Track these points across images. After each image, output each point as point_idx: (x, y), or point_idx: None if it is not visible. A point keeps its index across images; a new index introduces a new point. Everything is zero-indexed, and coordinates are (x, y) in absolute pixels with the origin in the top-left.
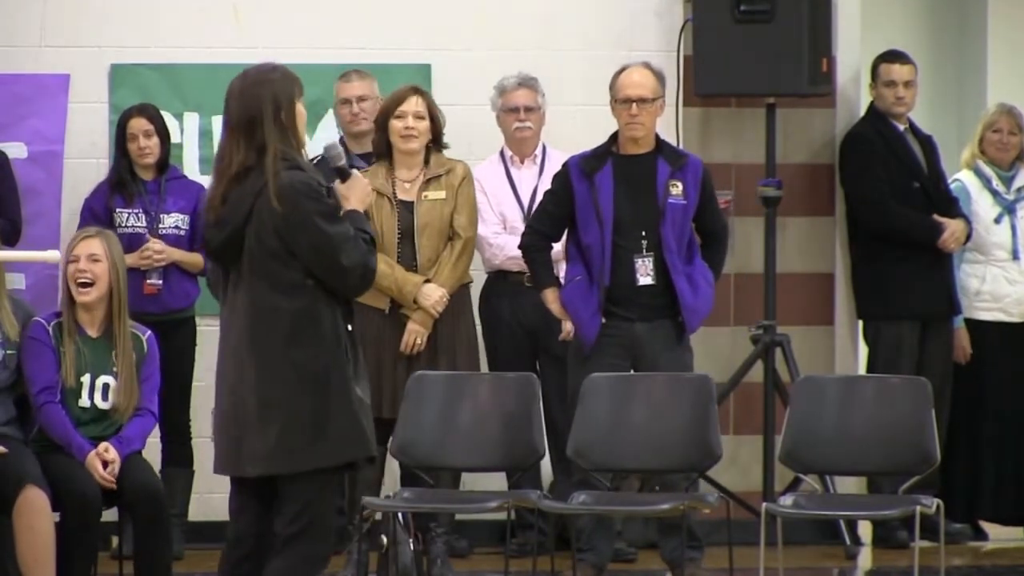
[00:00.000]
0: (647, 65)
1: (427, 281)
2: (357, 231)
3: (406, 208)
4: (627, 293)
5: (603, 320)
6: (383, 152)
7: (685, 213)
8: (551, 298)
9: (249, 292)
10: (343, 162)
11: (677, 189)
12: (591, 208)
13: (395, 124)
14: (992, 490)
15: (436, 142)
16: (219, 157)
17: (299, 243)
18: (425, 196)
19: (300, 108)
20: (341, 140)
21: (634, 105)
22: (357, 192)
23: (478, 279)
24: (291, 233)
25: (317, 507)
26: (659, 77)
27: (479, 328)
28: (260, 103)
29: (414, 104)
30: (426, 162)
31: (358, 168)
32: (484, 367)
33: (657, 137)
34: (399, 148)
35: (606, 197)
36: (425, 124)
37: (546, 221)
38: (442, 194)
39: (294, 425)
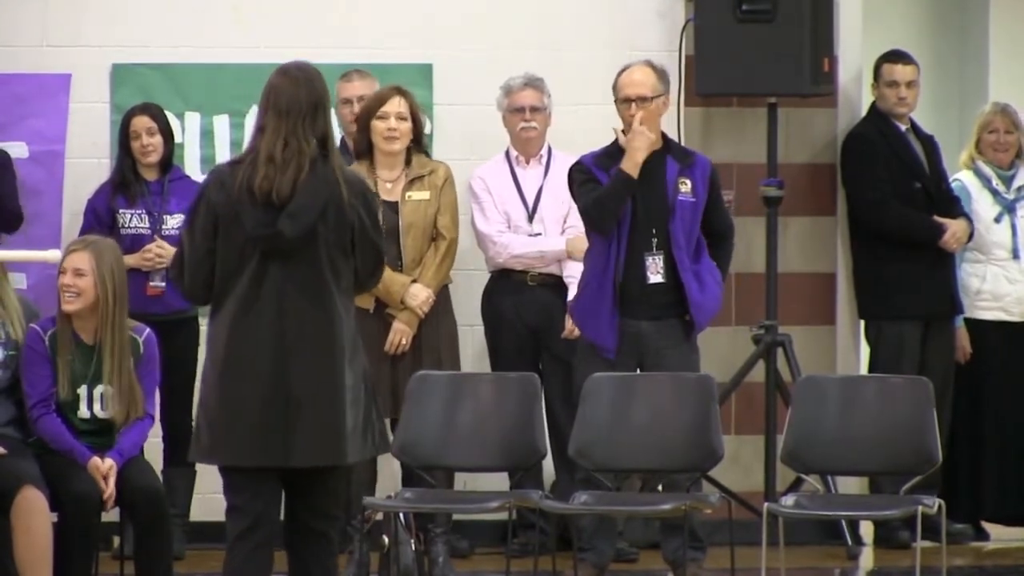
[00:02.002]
0: (649, 63)
1: (414, 281)
2: None
3: (390, 208)
4: (638, 291)
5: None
6: (364, 151)
7: (694, 210)
8: (625, 169)
9: (313, 285)
10: None
11: (686, 187)
12: None
13: (378, 125)
14: (995, 490)
15: (417, 143)
16: (281, 144)
17: (365, 237)
18: (409, 196)
19: None
20: (342, 140)
21: (633, 104)
22: None
23: (480, 278)
24: (362, 227)
25: (344, 499)
26: (661, 75)
27: (479, 328)
28: (323, 96)
29: (396, 105)
30: (407, 162)
31: None
32: (486, 366)
33: (664, 135)
34: (381, 149)
35: None
36: (407, 125)
37: (592, 189)
38: (426, 195)
39: (358, 418)
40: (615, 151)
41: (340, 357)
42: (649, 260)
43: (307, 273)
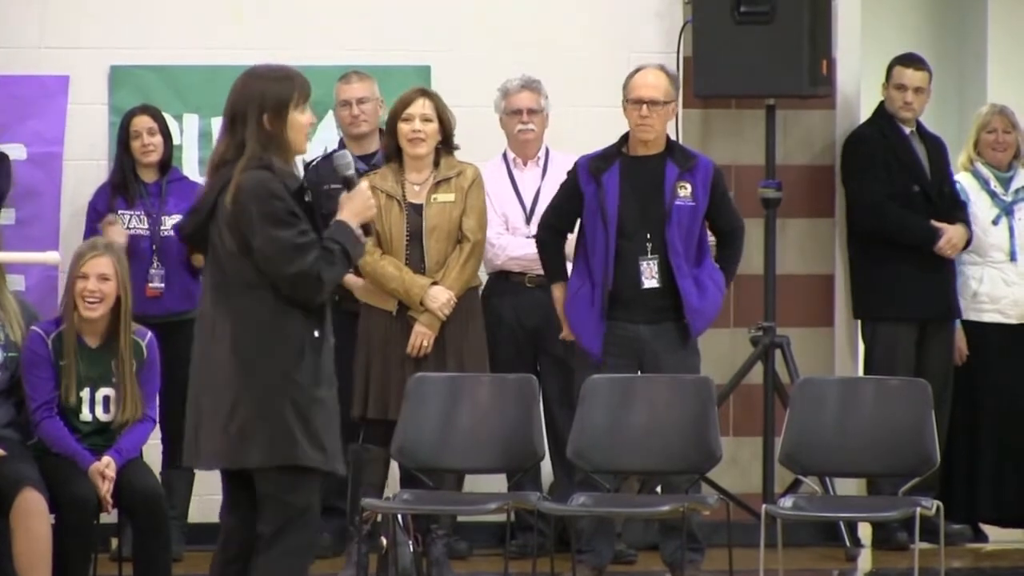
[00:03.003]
0: (662, 67)
1: (434, 283)
2: (328, 241)
3: (415, 210)
4: (632, 295)
5: (608, 322)
6: (393, 154)
7: (693, 215)
8: (557, 295)
9: (212, 286)
10: (350, 172)
11: (685, 191)
12: (597, 209)
13: (402, 127)
14: (992, 492)
15: (446, 144)
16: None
17: (249, 244)
18: (434, 199)
19: (296, 116)
20: (340, 142)
21: (644, 107)
22: (353, 204)
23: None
24: (241, 233)
25: (293, 505)
26: (673, 80)
27: None
28: (247, 102)
29: (420, 107)
30: (436, 164)
31: (358, 171)
32: (484, 368)
33: (668, 138)
34: (407, 152)
35: (612, 199)
36: (433, 127)
37: (559, 215)
38: (451, 197)
39: (227, 423)
40: (612, 153)
41: (223, 360)
42: (644, 265)
43: (212, 275)
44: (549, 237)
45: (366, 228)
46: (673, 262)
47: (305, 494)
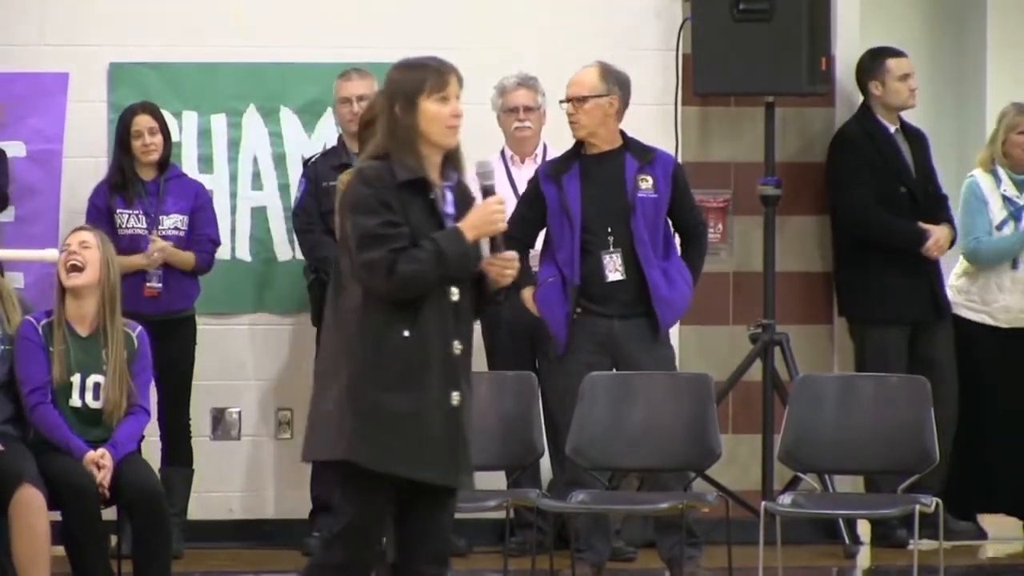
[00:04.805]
0: (600, 63)
1: None
2: (428, 239)
3: None
4: (599, 290)
5: (580, 315)
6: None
7: (657, 207)
8: (527, 297)
9: (333, 275)
10: (489, 182)
11: (647, 183)
12: (560, 209)
13: None
14: (1002, 484)
15: None
16: None
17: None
18: None
19: (428, 105)
20: (339, 139)
21: (569, 104)
22: (473, 215)
23: None
24: (342, 221)
25: (344, 511)
26: (608, 75)
27: (477, 328)
28: (384, 93)
29: None
30: None
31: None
32: (483, 366)
33: (623, 134)
34: None
35: (573, 197)
36: None
37: (519, 226)
38: None
39: (311, 418)
40: (570, 155)
41: (321, 349)
42: (607, 259)
43: (335, 265)
44: (512, 247)
45: (494, 243)
46: (640, 252)
47: (354, 498)
